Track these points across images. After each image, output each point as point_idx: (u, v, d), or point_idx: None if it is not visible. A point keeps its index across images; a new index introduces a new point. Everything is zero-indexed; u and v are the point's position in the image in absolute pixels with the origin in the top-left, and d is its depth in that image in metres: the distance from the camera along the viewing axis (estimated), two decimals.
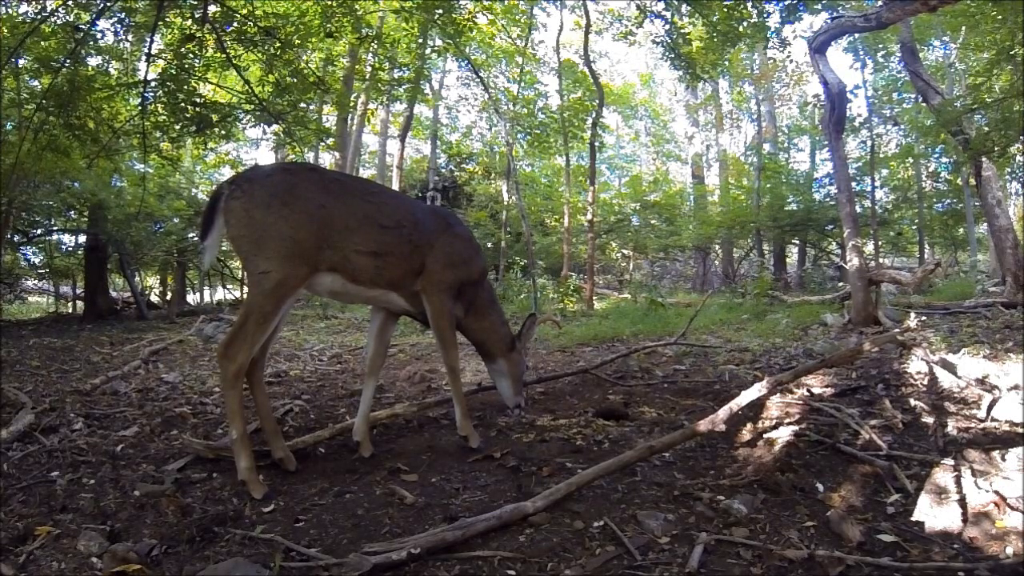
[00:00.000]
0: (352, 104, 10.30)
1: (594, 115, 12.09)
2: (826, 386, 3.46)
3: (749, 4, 6.97)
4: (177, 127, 6.05)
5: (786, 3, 6.52)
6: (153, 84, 5.60)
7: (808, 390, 3.36)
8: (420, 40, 9.61)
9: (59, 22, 5.70)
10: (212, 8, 5.24)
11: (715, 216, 15.82)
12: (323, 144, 9.02)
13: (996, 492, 1.88)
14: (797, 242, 14.83)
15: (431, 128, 18.08)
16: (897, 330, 4.36)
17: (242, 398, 2.23)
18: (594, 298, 10.80)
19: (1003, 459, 2.12)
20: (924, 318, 5.37)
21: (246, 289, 14.72)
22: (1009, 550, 1.65)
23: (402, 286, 2.54)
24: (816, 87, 12.73)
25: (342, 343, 6.44)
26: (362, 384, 2.81)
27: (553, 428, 2.91)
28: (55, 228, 10.33)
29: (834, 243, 13.55)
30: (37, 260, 10.85)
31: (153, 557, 1.74)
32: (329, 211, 2.30)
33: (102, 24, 5.78)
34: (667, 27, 8.00)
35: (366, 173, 19.35)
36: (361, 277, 2.39)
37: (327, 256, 2.30)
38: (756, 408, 2.91)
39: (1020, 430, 2.52)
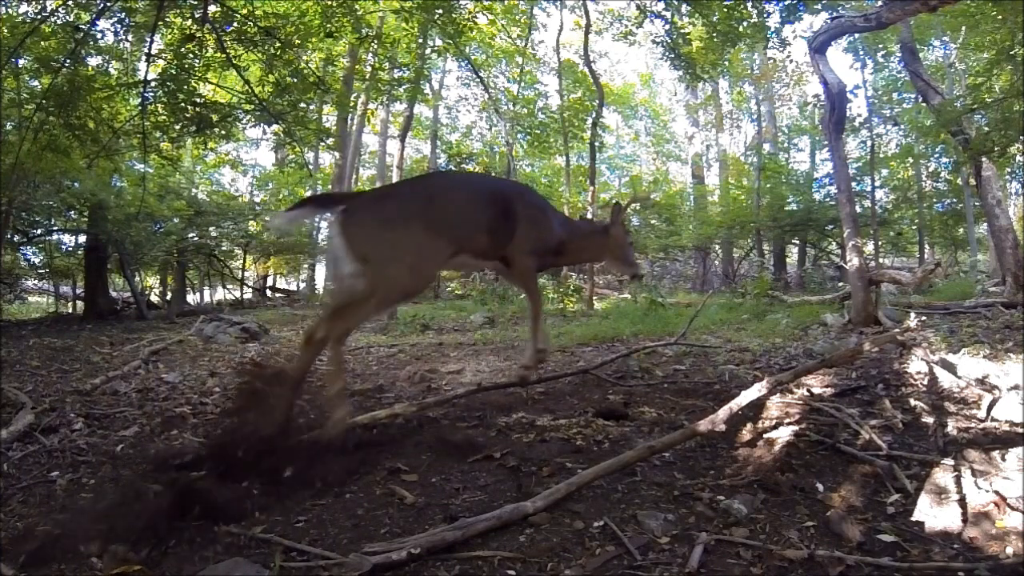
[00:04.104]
0: (352, 104, 10.30)
1: (594, 115, 12.09)
2: (826, 386, 3.46)
3: (749, 4, 6.98)
4: (177, 127, 6.06)
5: (786, 3, 6.52)
6: (153, 84, 5.60)
7: (808, 390, 3.36)
8: (420, 40, 9.60)
9: (59, 22, 5.70)
10: (212, 8, 5.25)
11: (715, 216, 15.80)
12: (323, 144, 9.03)
13: (996, 492, 1.88)
14: (797, 242, 14.82)
15: (431, 128, 18.08)
16: (897, 330, 4.36)
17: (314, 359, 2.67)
18: (594, 298, 10.80)
19: (1003, 459, 2.12)
20: (924, 318, 5.36)
21: (247, 287, 14.67)
22: (1009, 550, 1.65)
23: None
24: (816, 87, 12.71)
25: None
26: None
27: (553, 428, 2.91)
28: (55, 228, 10.32)
29: (834, 243, 13.54)
30: (37, 260, 10.85)
31: (153, 557, 1.74)
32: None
33: (102, 24, 5.80)
34: (667, 27, 8.00)
35: (366, 173, 19.36)
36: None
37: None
38: (756, 408, 2.90)
39: (1020, 430, 2.52)
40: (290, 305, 12.10)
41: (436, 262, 2.77)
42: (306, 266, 16.13)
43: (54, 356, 5.29)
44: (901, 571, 1.57)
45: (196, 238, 11.88)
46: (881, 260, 14.44)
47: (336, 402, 2.54)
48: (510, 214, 2.92)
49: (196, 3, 5.17)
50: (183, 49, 5.43)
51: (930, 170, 14.95)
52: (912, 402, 2.99)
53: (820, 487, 2.12)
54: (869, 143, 13.92)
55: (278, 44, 5.69)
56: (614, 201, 3.72)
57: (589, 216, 11.37)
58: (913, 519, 1.86)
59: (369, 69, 9.74)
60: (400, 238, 2.56)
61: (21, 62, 6.05)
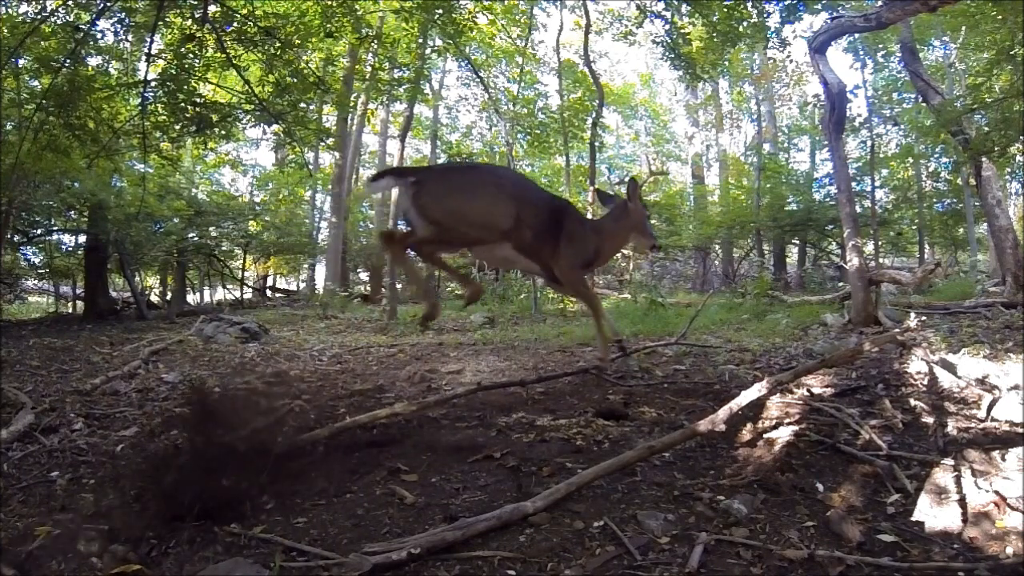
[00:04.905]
0: (352, 104, 10.29)
1: (594, 115, 12.08)
2: (826, 386, 3.46)
3: (749, 4, 6.97)
4: (177, 127, 6.05)
5: (786, 3, 6.52)
6: (153, 84, 5.61)
7: (808, 390, 3.36)
8: (420, 40, 9.60)
9: (59, 22, 5.70)
10: (212, 8, 5.25)
11: (715, 216, 15.80)
12: (323, 144, 9.02)
13: (996, 492, 1.88)
14: (797, 242, 14.82)
15: (431, 128, 18.07)
16: (897, 330, 4.36)
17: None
18: None
19: (1003, 459, 2.12)
20: (924, 318, 5.36)
21: (247, 287, 14.69)
22: (1009, 550, 1.65)
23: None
24: (816, 87, 12.71)
25: (342, 343, 6.44)
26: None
27: (553, 428, 2.91)
28: (55, 228, 10.33)
29: (834, 243, 13.55)
30: (37, 260, 10.86)
31: (153, 557, 1.74)
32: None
33: (102, 24, 5.80)
34: (667, 27, 8.00)
35: (366, 173, 19.36)
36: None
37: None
38: (756, 408, 2.90)
39: (1020, 430, 2.52)
40: (290, 305, 12.11)
41: (504, 216, 2.93)
42: (306, 266, 16.15)
43: (54, 356, 5.29)
44: (901, 571, 1.57)
45: (196, 238, 11.89)
46: (881, 260, 14.44)
47: (425, 295, 3.33)
48: (558, 226, 3.14)
49: (196, 3, 5.17)
50: (183, 49, 5.43)
51: (930, 170, 14.96)
52: (912, 402, 2.99)
53: (820, 487, 2.12)
54: (869, 143, 13.92)
55: (278, 44, 5.69)
56: (629, 176, 3.83)
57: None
58: (913, 519, 1.86)
59: (369, 69, 9.73)
60: (469, 199, 2.90)
61: (21, 62, 6.05)
